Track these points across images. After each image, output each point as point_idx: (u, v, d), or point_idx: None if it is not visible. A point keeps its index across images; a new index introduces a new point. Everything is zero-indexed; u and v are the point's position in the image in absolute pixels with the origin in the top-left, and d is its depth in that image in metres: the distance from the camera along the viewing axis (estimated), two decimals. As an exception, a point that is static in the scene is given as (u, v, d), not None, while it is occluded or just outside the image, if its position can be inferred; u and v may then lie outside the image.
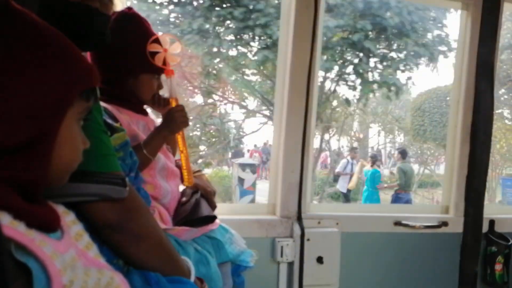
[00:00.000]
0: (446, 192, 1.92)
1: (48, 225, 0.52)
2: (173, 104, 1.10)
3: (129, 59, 1.02)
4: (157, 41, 1.05)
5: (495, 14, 1.78)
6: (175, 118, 1.06)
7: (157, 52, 1.05)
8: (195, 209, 1.09)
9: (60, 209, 0.58)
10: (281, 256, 1.61)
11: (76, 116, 0.54)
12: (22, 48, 0.49)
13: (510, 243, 1.84)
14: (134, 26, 1.04)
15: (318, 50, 1.65)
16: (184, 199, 1.12)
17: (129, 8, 1.07)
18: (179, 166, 1.15)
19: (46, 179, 0.52)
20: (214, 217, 1.11)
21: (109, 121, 0.85)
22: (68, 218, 0.59)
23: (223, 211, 1.52)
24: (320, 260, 1.63)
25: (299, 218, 1.64)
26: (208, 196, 1.17)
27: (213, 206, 1.17)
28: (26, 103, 0.48)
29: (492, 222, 1.88)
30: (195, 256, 1.03)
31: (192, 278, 0.86)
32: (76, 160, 0.56)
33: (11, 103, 0.47)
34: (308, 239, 1.62)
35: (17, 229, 0.45)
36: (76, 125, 0.55)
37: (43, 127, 0.50)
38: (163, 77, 1.11)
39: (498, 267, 1.85)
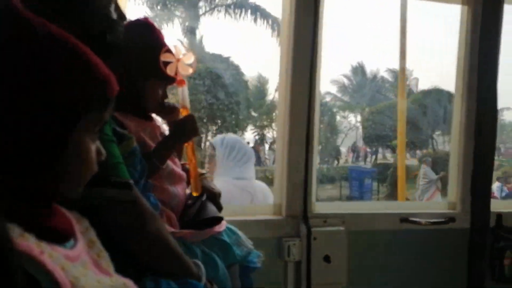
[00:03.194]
0: (452, 187, 1.91)
1: (60, 235, 0.52)
2: (184, 113, 1.11)
3: (141, 65, 1.03)
4: (170, 51, 1.06)
5: (496, 7, 1.78)
6: (186, 127, 1.07)
7: (169, 62, 1.05)
8: (200, 211, 1.09)
9: (75, 216, 0.59)
10: (288, 255, 1.61)
11: (89, 127, 0.53)
12: (34, 57, 0.47)
13: (518, 237, 1.83)
14: (148, 35, 1.06)
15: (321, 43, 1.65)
16: (189, 201, 1.12)
17: (145, 18, 1.08)
18: (185, 170, 1.16)
19: (58, 191, 0.52)
20: (221, 218, 1.12)
21: (118, 128, 0.86)
22: (82, 225, 0.59)
23: (229, 213, 1.53)
24: (327, 259, 1.63)
25: (305, 218, 1.64)
26: (214, 198, 1.18)
27: (219, 208, 1.17)
28: (37, 113, 0.47)
29: (499, 217, 1.87)
30: (203, 258, 1.03)
31: (203, 281, 0.86)
32: (90, 172, 0.55)
33: (21, 113, 0.46)
34: (314, 238, 1.62)
35: (27, 242, 0.45)
36: (89, 137, 0.53)
37: (54, 139, 0.49)
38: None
39: (507, 261, 1.84)
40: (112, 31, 0.77)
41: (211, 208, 1.12)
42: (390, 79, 20.00)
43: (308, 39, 1.61)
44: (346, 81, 20.65)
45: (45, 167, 0.49)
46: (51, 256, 0.46)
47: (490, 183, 1.85)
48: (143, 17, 1.09)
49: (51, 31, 0.50)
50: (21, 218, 0.46)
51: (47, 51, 0.48)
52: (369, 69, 20.47)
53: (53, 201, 0.54)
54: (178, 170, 1.13)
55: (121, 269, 0.62)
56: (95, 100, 0.52)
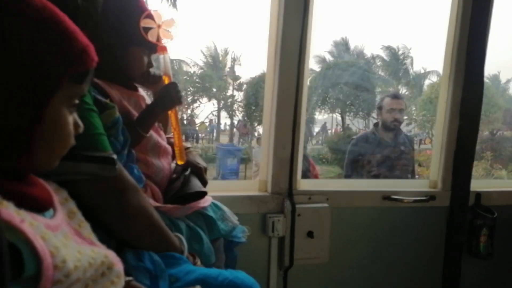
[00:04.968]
0: (435, 166, 1.95)
1: (39, 203, 0.51)
2: (166, 81, 1.08)
3: (122, 32, 0.99)
4: (150, 16, 1.02)
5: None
6: (169, 95, 1.05)
7: (150, 28, 1.02)
8: (185, 185, 1.09)
9: (53, 187, 0.57)
10: (272, 231, 1.63)
11: (67, 100, 0.51)
12: (8, 24, 0.45)
13: (495, 216, 1.89)
14: (127, 0, 1.01)
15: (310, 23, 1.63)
16: (174, 176, 1.11)
17: None
18: (170, 144, 1.15)
19: (33, 164, 0.51)
20: (204, 193, 1.12)
21: (99, 97, 0.83)
22: (61, 195, 0.58)
23: (214, 188, 1.53)
24: (310, 234, 1.66)
25: (290, 194, 1.66)
26: (199, 173, 1.17)
27: (204, 183, 1.17)
28: (11, 83, 0.45)
29: (478, 196, 1.92)
30: (188, 232, 1.03)
31: (185, 254, 0.87)
32: (66, 146, 0.54)
33: None
34: (299, 215, 1.64)
35: (6, 209, 0.44)
36: (66, 109, 0.52)
37: (30, 111, 0.47)
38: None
39: (483, 239, 1.90)
40: None
41: (195, 183, 1.11)
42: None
43: (298, 18, 1.58)
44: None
45: (20, 139, 0.47)
46: (31, 224, 0.46)
47: (471, 162, 1.89)
48: None
49: None
50: None
51: (22, 18, 0.46)
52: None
53: (28, 174, 0.52)
54: (164, 143, 1.11)
55: (102, 240, 0.61)
56: (72, 71, 0.49)
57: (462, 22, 1.80)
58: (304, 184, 1.74)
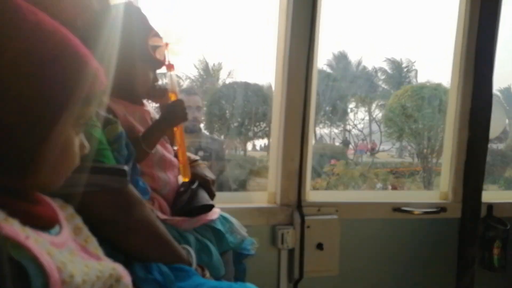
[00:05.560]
0: (445, 178, 1.93)
1: (44, 221, 0.51)
2: (173, 98, 1.10)
3: (129, 50, 1.01)
4: (158, 35, 1.04)
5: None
6: (175, 112, 1.07)
7: (158, 46, 1.04)
8: (192, 198, 1.09)
9: (58, 203, 0.57)
10: (282, 243, 1.63)
11: (74, 121, 0.51)
12: (21, 46, 0.45)
13: (508, 227, 1.86)
14: (135, 18, 1.03)
15: (317, 33, 1.64)
16: (181, 189, 1.12)
17: (130, 1, 1.06)
18: (177, 157, 1.15)
19: (38, 183, 0.51)
20: (212, 206, 1.12)
21: (101, 112, 0.84)
22: (66, 212, 0.58)
23: (223, 200, 1.53)
24: (320, 246, 1.65)
25: (299, 206, 1.65)
26: (207, 185, 1.17)
27: (212, 195, 1.17)
28: (21, 104, 0.45)
29: (490, 207, 1.89)
30: (196, 245, 1.03)
31: (193, 266, 0.87)
32: (71, 166, 0.54)
33: (4, 104, 0.44)
34: (308, 226, 1.64)
35: (11, 227, 0.44)
36: (72, 131, 0.52)
37: (37, 132, 0.47)
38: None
39: (496, 251, 1.87)
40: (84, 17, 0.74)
41: (203, 196, 1.12)
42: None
43: (305, 31, 1.60)
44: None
45: (26, 159, 0.47)
46: (36, 241, 0.45)
47: (482, 173, 1.86)
48: (127, 0, 1.06)
49: (39, 20, 0.47)
50: (3, 204, 0.45)
51: (35, 40, 0.46)
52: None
53: (33, 192, 0.52)
54: (169, 156, 1.12)
55: (110, 255, 0.61)
56: (81, 94, 0.50)
57: (469, 32, 1.80)
58: (313, 196, 1.74)
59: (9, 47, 0.44)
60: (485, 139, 1.85)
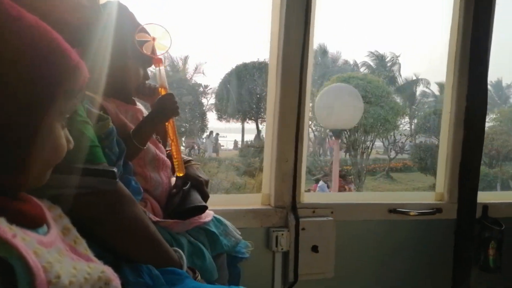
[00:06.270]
0: (440, 179, 1.92)
1: (32, 220, 0.50)
2: (162, 92, 1.08)
3: (117, 47, 1.00)
4: (144, 30, 1.03)
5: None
6: (166, 106, 1.05)
7: (145, 41, 1.03)
8: (184, 199, 1.08)
9: (46, 204, 0.57)
10: (276, 246, 1.61)
11: (59, 115, 0.52)
12: (4, 41, 0.45)
13: (503, 228, 1.86)
14: (124, 16, 1.02)
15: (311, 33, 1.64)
16: (174, 190, 1.10)
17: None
18: (170, 157, 1.14)
19: (25, 181, 0.50)
20: (204, 207, 1.10)
21: (92, 109, 0.83)
22: (54, 212, 0.58)
23: (217, 202, 1.51)
24: (315, 249, 1.63)
25: (294, 208, 1.64)
26: (200, 186, 1.16)
27: (205, 196, 1.15)
28: (7, 101, 0.45)
29: (485, 208, 1.89)
30: (189, 248, 1.01)
31: (184, 268, 0.85)
32: (56, 160, 0.54)
33: None
34: (303, 229, 1.62)
35: None
36: (58, 125, 0.52)
37: (26, 128, 0.47)
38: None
39: (492, 252, 1.86)
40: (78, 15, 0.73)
41: (195, 197, 1.10)
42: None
43: (300, 30, 1.59)
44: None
45: (17, 155, 0.48)
46: (23, 240, 0.45)
47: (477, 174, 1.86)
48: None
49: (22, 15, 0.48)
50: None
51: (15, 35, 0.46)
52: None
53: (21, 191, 0.52)
54: (162, 156, 1.10)
55: (99, 256, 0.60)
56: (65, 88, 0.50)
57: (463, 30, 1.81)
58: (308, 197, 1.72)
59: None
60: (481, 138, 1.84)
